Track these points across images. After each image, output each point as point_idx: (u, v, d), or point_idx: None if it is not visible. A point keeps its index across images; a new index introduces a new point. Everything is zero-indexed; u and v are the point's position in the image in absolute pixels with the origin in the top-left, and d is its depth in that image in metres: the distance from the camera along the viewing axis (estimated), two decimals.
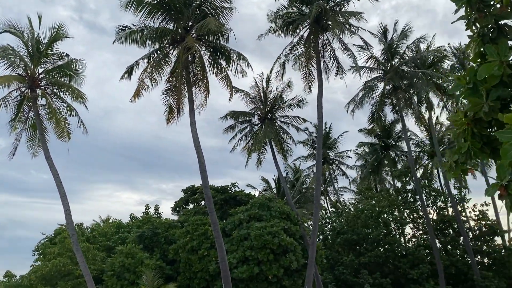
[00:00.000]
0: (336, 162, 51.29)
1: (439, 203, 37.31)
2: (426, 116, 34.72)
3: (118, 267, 24.01)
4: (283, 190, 42.99)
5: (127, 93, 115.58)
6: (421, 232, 36.21)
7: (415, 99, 31.70)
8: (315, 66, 24.81)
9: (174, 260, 25.57)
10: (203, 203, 32.98)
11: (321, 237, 37.03)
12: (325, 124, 47.91)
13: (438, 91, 32.78)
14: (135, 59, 22.61)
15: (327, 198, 59.06)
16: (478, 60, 5.20)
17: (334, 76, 25.06)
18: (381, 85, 30.81)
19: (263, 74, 30.10)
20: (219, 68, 22.61)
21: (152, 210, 33.78)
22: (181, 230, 25.89)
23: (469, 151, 5.45)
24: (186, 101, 22.10)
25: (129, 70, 22.54)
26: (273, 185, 46.25)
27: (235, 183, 31.10)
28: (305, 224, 27.84)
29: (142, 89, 22.30)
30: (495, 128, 5.21)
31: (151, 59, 22.61)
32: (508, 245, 34.51)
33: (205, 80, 22.30)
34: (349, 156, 50.17)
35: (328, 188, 60.65)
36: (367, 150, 51.54)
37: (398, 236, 36.35)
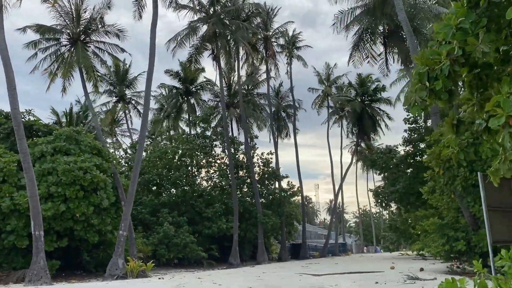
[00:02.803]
0: (133, 102, 49.46)
1: (232, 150, 40.62)
2: (236, 66, 36.66)
3: None
4: (75, 124, 39.13)
5: None
6: (215, 174, 38.76)
7: (231, 48, 32.94)
8: None
9: None
10: None
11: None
12: (124, 60, 45.20)
13: (248, 45, 34.87)
14: None
15: (114, 139, 56.55)
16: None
17: (167, 7, 23.62)
18: (203, 28, 30.77)
19: None
20: None
21: None
22: None
23: (441, 90, 6.10)
24: None
25: None
26: (63, 119, 41.46)
27: (30, 110, 26.57)
28: (115, 162, 26.18)
29: None
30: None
31: None
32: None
33: None
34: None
35: (116, 128, 58.18)
36: (166, 92, 51.29)
37: (195, 178, 38.08)
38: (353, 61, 27.31)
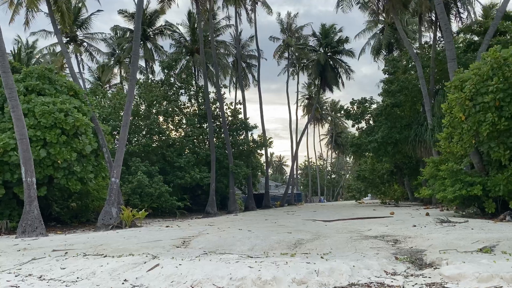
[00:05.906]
0: (86, 45, 45.41)
1: (200, 99, 39.02)
2: (209, 7, 34.40)
3: None
4: (26, 65, 35.19)
5: None
6: (184, 123, 37.15)
7: None
8: None
9: None
10: None
11: None
12: None
13: None
14: None
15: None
16: None
17: None
18: None
19: None
20: None
21: None
22: None
23: None
24: None
25: None
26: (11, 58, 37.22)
27: None
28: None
29: None
30: None
31: None
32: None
33: None
34: (102, 40, 45.19)
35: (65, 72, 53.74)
36: (119, 35, 47.92)
37: (162, 126, 36.25)
38: (341, 6, 26.47)
